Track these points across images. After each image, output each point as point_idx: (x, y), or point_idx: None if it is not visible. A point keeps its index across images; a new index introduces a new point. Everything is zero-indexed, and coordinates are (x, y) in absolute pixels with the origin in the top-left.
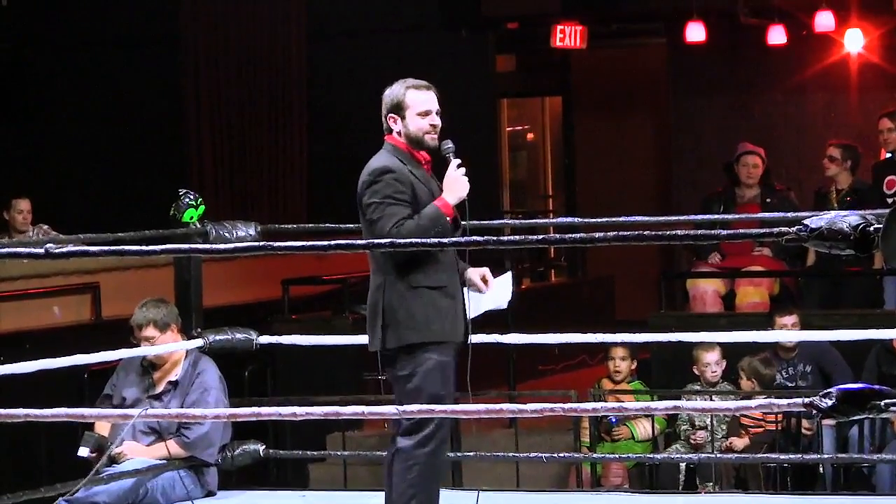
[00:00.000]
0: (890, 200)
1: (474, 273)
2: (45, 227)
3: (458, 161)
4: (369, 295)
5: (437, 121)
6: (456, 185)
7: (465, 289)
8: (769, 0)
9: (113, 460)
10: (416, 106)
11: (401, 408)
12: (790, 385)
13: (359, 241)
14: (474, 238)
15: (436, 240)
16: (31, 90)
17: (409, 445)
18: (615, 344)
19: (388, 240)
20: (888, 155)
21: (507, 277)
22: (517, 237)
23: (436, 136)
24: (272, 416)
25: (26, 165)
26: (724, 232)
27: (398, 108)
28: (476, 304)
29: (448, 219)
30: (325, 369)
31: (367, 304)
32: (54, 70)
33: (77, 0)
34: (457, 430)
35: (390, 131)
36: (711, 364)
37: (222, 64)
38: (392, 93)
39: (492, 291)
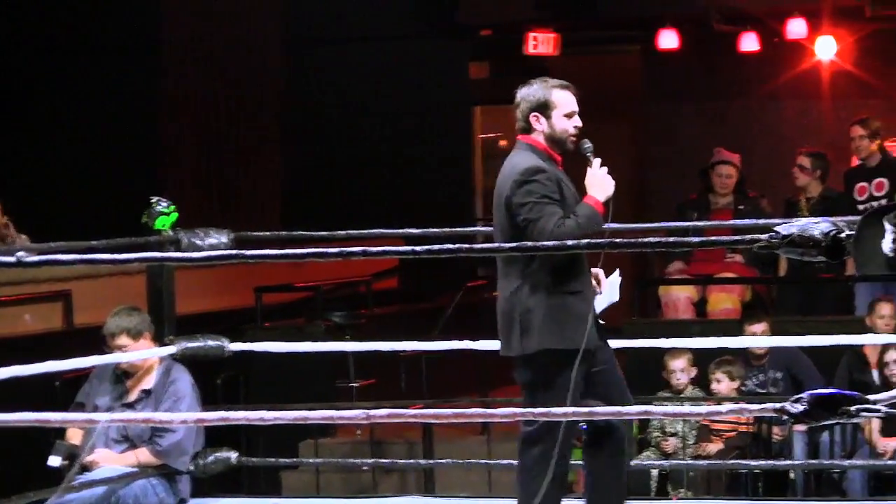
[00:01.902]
0: (861, 207)
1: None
2: (24, 237)
3: (599, 159)
4: (501, 300)
5: (580, 123)
6: (604, 182)
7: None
8: (741, 7)
9: (85, 468)
10: (564, 106)
11: (370, 412)
12: (761, 392)
13: (332, 250)
14: (447, 246)
15: (429, 246)
16: (4, 94)
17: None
18: None
19: (361, 248)
20: (860, 162)
21: (616, 276)
22: (490, 244)
23: (575, 140)
24: (240, 420)
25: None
26: (697, 239)
27: (544, 108)
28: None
29: (602, 217)
30: (298, 377)
31: (499, 309)
32: (29, 74)
33: (54, 4)
34: (429, 436)
35: (526, 131)
36: (676, 371)
37: (200, 70)
38: (534, 92)
39: (605, 291)
